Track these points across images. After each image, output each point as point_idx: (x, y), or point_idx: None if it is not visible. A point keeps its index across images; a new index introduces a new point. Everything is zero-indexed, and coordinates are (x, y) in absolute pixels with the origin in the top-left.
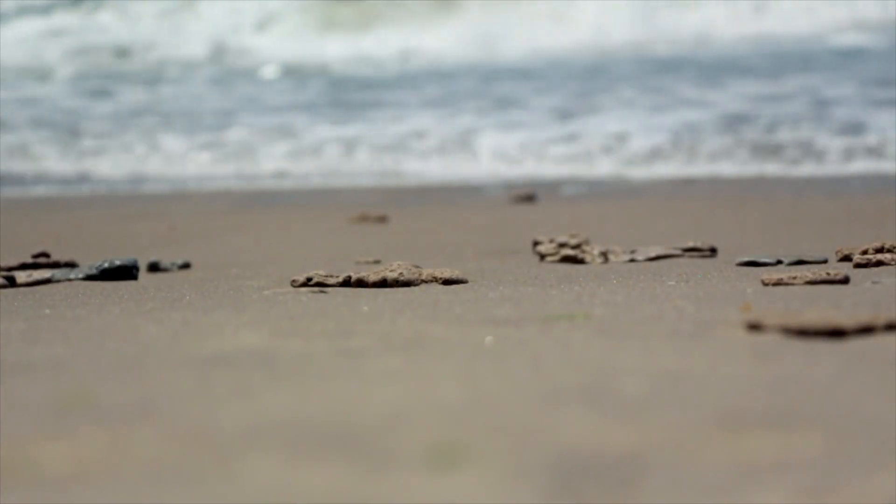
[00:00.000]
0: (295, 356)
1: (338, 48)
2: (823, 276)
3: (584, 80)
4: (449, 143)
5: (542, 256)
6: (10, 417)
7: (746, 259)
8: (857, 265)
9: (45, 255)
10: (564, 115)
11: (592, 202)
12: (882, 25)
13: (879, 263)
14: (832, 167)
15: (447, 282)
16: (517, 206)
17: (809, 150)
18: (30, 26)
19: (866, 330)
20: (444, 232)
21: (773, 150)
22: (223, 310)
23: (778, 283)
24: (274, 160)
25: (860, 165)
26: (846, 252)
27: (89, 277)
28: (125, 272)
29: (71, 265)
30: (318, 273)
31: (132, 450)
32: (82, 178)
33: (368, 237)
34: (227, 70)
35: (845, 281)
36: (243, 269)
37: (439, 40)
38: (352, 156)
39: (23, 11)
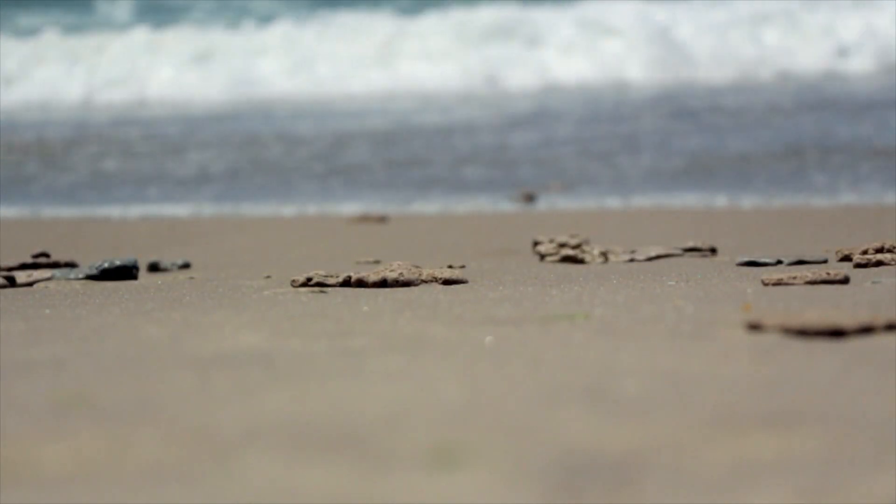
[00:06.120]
0: (295, 356)
1: None
2: (823, 276)
3: None
4: None
5: (542, 256)
6: (10, 417)
7: (746, 259)
8: (857, 265)
9: (45, 255)
10: None
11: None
12: None
13: (879, 263)
14: None
15: (447, 282)
16: (516, 206)
17: None
18: None
19: (866, 330)
20: (444, 232)
21: None
22: (223, 310)
23: (778, 283)
24: None
25: None
26: (846, 252)
27: (89, 277)
28: (125, 272)
29: (71, 265)
30: (318, 273)
31: (132, 450)
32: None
33: (368, 237)
34: None
35: (845, 281)
36: (243, 269)
37: None
38: None
39: None
